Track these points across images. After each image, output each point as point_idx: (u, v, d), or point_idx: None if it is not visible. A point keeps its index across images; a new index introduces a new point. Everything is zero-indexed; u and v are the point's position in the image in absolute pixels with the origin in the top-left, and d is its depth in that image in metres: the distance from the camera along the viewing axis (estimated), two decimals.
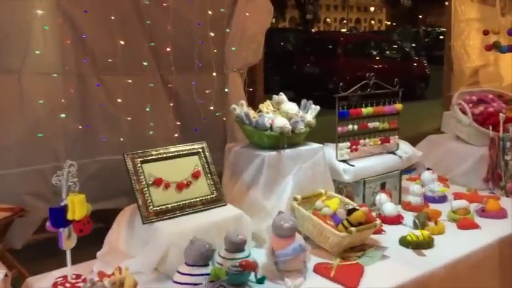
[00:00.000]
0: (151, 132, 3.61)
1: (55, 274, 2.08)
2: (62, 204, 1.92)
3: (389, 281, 2.02)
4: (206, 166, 2.33)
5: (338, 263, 2.12)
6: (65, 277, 2.01)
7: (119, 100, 3.50)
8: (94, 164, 3.69)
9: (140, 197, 2.11)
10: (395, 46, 14.46)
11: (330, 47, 12.62)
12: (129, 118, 3.57)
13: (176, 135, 3.78)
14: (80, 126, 3.56)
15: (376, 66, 11.49)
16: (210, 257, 1.77)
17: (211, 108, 3.79)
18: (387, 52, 13.51)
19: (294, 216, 2.11)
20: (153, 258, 2.04)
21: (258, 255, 2.18)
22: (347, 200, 2.51)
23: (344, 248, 2.26)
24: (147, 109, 3.58)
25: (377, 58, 12.84)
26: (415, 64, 13.20)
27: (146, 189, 2.14)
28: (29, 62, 3.30)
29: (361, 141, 2.85)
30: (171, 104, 3.80)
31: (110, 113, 3.60)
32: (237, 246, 1.96)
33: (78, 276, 2.03)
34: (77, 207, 1.89)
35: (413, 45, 22.19)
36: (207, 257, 1.75)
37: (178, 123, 3.82)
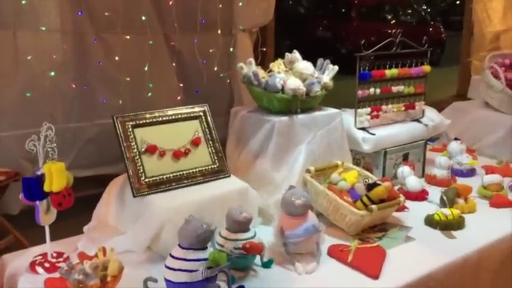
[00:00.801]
0: (150, 94, 3.35)
1: (35, 251, 1.84)
2: (38, 173, 1.65)
3: (416, 268, 1.75)
4: (208, 132, 2.04)
5: (356, 245, 1.85)
6: (44, 255, 1.76)
7: (117, 58, 3.22)
8: (93, 128, 3.53)
9: (131, 166, 1.84)
10: (411, 10, 13.90)
11: (343, 10, 12.09)
12: (128, 79, 3.30)
13: (179, 97, 3.52)
14: (77, 87, 3.32)
15: (390, 31, 10.98)
16: (208, 239, 1.51)
17: (216, 69, 3.50)
18: (402, 16, 13.00)
19: (306, 191, 1.83)
20: (145, 237, 1.78)
21: (265, 233, 1.92)
22: (366, 173, 2.22)
23: (363, 228, 2.00)
24: (147, 69, 3.30)
25: (392, 22, 12.33)
26: (430, 29, 12.68)
27: (138, 157, 1.86)
28: (25, 18, 3.09)
29: (383, 107, 2.54)
30: (174, 64, 3.53)
31: (109, 74, 3.38)
32: (240, 226, 1.70)
33: (59, 255, 1.79)
34: (55, 177, 1.62)
35: (429, 9, 21.47)
36: (205, 240, 1.49)
37: (181, 84, 3.53)
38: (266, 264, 1.74)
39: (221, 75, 3.70)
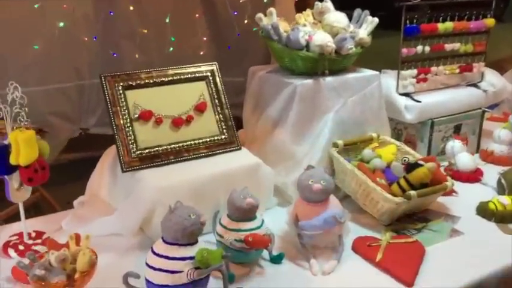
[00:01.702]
0: (171, 49, 3.05)
1: (13, 228, 1.61)
2: (5, 142, 1.39)
3: (463, 273, 1.39)
4: (215, 96, 1.71)
5: (388, 239, 1.51)
6: (20, 235, 1.53)
7: (132, 8, 2.91)
8: None
9: (120, 135, 1.55)
10: None
11: None
12: (145, 31, 2.99)
13: (202, 52, 3.18)
14: (98, 40, 3.06)
15: None
16: (196, 234, 1.21)
17: (246, 21, 3.13)
18: None
19: (331, 170, 1.49)
20: (134, 219, 1.51)
21: (281, 217, 1.61)
22: (407, 149, 1.85)
23: (398, 216, 1.65)
24: (167, 20, 2.98)
25: None
26: None
27: (129, 125, 1.57)
28: None
29: (433, 68, 2.12)
30: (197, 16, 3.18)
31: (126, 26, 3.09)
32: (243, 214, 1.39)
33: (39, 235, 1.55)
34: (23, 148, 1.35)
35: None
36: (192, 234, 1.20)
37: (205, 38, 3.19)
38: (275, 260, 1.44)
39: (254, 29, 3.33)
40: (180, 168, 1.58)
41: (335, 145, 1.76)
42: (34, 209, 2.51)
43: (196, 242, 1.23)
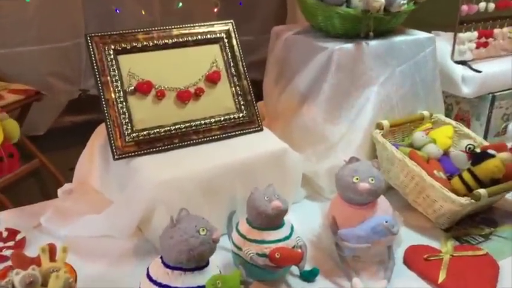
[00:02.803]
0: (180, 5, 2.68)
1: None
2: None
3: None
4: (232, 64, 1.37)
5: (451, 251, 1.19)
6: None
7: None
8: None
9: (111, 113, 1.22)
10: None
11: None
12: None
13: (216, 9, 2.82)
14: None
15: None
16: (207, 255, 0.90)
17: None
18: None
19: (375, 165, 1.15)
20: (128, 220, 1.20)
21: (310, 213, 1.32)
22: (466, 131, 1.50)
23: (459, 218, 1.32)
24: None
25: None
26: None
27: (122, 100, 1.23)
28: None
29: (496, 30, 1.74)
30: None
31: None
32: (268, 221, 1.07)
33: (12, 234, 1.26)
34: None
35: None
36: (202, 256, 0.88)
37: None
38: (307, 276, 1.13)
39: None
40: (187, 156, 1.25)
41: (379, 126, 1.42)
42: (33, 177, 2.29)
43: (206, 264, 0.91)
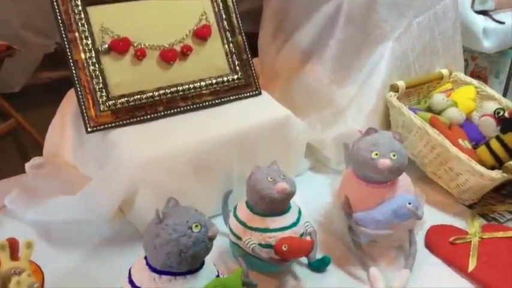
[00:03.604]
0: None
1: None
2: None
3: None
4: (224, 17, 1.16)
5: (479, 232, 1.04)
6: None
7: None
8: None
9: (82, 77, 1.02)
10: None
11: None
12: None
13: None
14: None
15: None
16: (202, 256, 0.73)
17: None
18: None
19: (397, 137, 0.97)
20: (106, 203, 1.02)
21: (314, 186, 1.17)
22: (490, 92, 1.32)
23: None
24: None
25: None
26: None
27: (94, 61, 1.03)
28: None
29: None
30: None
31: None
32: (273, 205, 0.90)
33: None
34: None
35: None
36: (195, 258, 0.71)
37: None
38: (317, 266, 0.97)
39: None
40: (173, 127, 1.06)
41: (394, 88, 1.24)
42: (10, 137, 2.11)
43: (201, 266, 0.75)
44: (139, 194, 1.00)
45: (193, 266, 0.73)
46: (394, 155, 0.93)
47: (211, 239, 0.72)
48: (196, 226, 0.71)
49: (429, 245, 1.03)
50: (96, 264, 0.98)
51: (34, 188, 1.15)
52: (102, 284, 0.92)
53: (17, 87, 2.48)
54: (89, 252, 1.01)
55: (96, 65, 1.03)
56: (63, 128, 1.21)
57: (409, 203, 0.93)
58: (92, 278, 0.94)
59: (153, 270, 0.72)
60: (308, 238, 0.93)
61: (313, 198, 1.16)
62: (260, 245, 0.89)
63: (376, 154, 0.93)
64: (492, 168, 1.09)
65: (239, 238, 0.91)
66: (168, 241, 0.70)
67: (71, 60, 1.01)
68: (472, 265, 0.96)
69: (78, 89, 1.01)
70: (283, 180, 0.89)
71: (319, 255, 0.98)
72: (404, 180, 0.99)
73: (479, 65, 1.60)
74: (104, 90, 1.03)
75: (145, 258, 0.75)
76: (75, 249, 1.01)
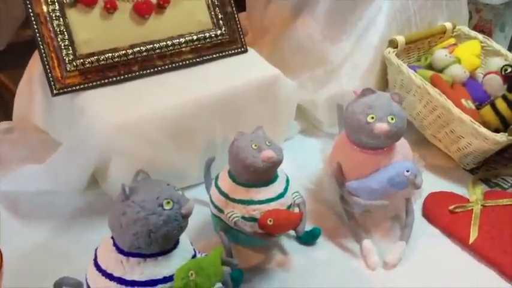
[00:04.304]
0: None
1: None
2: None
3: None
4: None
5: (481, 200, 0.97)
6: None
7: None
8: None
9: (45, 33, 0.91)
10: None
11: None
12: None
13: None
14: None
15: None
16: (175, 236, 0.65)
17: None
18: None
19: (396, 98, 0.88)
20: (78, 172, 0.94)
21: (306, 150, 1.08)
22: (496, 47, 1.22)
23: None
24: None
25: None
26: None
27: (59, 14, 0.92)
28: None
29: None
30: None
31: None
32: (258, 175, 0.81)
33: None
34: None
35: None
36: (167, 238, 0.63)
37: None
38: (306, 238, 0.91)
39: None
40: (149, 88, 0.97)
41: (393, 44, 1.14)
42: None
43: (175, 246, 0.67)
44: (112, 163, 0.91)
45: (165, 247, 0.65)
46: (392, 119, 0.84)
47: (185, 216, 0.64)
48: (168, 203, 0.63)
49: (427, 214, 0.96)
50: (66, 238, 0.91)
51: (1, 155, 1.07)
52: (73, 261, 0.85)
53: (1, 45, 2.36)
54: (59, 226, 0.93)
55: (61, 19, 0.92)
56: (32, 90, 1.11)
57: (407, 171, 0.85)
58: (62, 253, 0.87)
59: (121, 251, 0.65)
60: (296, 210, 0.86)
61: (304, 164, 1.08)
62: (244, 218, 0.81)
63: (372, 117, 0.84)
64: (497, 130, 1.01)
65: (221, 211, 0.83)
66: (135, 220, 0.62)
67: (31, 14, 0.90)
68: (473, 236, 0.89)
69: (41, 46, 0.91)
70: (269, 147, 0.81)
71: (308, 227, 0.91)
72: (403, 145, 0.91)
73: (483, 18, 1.49)
74: (70, 47, 0.92)
75: (113, 238, 0.67)
76: (44, 222, 0.94)
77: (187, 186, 1.02)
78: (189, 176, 1.00)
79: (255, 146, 0.80)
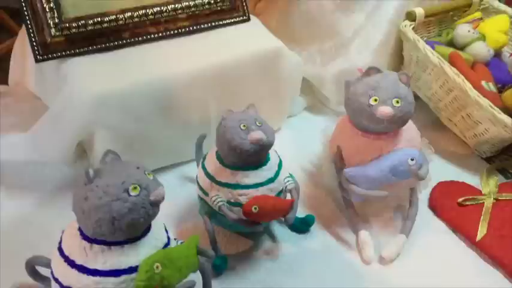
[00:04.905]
0: None
1: None
2: None
3: None
4: None
5: (495, 192, 0.89)
6: None
7: None
8: None
9: None
10: None
11: None
12: None
13: None
14: None
15: None
16: (141, 225, 0.60)
17: None
18: None
19: (404, 79, 0.79)
20: (62, 143, 0.89)
21: (310, 128, 1.02)
22: None
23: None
24: None
25: None
26: None
27: None
28: None
29: None
30: None
31: None
32: (246, 158, 0.75)
33: None
34: None
35: None
36: (132, 226, 0.58)
37: None
38: (299, 226, 0.85)
39: None
40: (141, 57, 0.90)
41: (410, 16, 1.04)
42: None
43: (144, 234, 0.62)
44: (96, 137, 0.86)
45: (132, 235, 0.60)
46: (397, 102, 0.76)
47: (154, 204, 0.59)
48: (135, 188, 0.57)
49: (434, 206, 0.89)
50: (49, 212, 0.86)
51: None
52: (52, 237, 0.79)
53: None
54: (42, 199, 0.89)
55: None
56: (24, 54, 1.07)
57: (412, 160, 0.77)
58: (42, 228, 0.83)
59: (85, 237, 0.60)
60: (288, 197, 0.79)
61: (306, 144, 1.02)
62: (229, 203, 0.75)
63: (375, 100, 0.76)
64: None
65: (206, 193, 0.77)
66: (98, 206, 0.56)
67: None
68: (481, 233, 0.82)
69: (24, 8, 0.85)
70: (259, 128, 0.74)
71: (302, 214, 0.85)
72: (410, 129, 0.83)
73: None
74: (55, 11, 0.86)
75: (78, 226, 0.62)
76: (27, 194, 0.90)
77: (179, 162, 0.97)
78: (181, 152, 0.95)
79: (244, 126, 0.74)
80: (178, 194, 0.90)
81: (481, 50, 1.02)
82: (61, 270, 0.60)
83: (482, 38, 1.04)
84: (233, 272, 0.77)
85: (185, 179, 0.94)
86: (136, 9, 0.91)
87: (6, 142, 0.93)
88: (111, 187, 0.57)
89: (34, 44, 0.86)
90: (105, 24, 0.89)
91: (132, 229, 0.59)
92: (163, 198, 0.60)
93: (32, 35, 0.86)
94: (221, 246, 0.79)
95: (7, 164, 0.92)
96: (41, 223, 0.85)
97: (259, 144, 0.73)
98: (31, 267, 0.69)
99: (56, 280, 0.61)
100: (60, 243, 0.62)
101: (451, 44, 1.05)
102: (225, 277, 0.76)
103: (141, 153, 0.89)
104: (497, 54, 1.06)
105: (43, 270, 0.67)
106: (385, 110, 0.75)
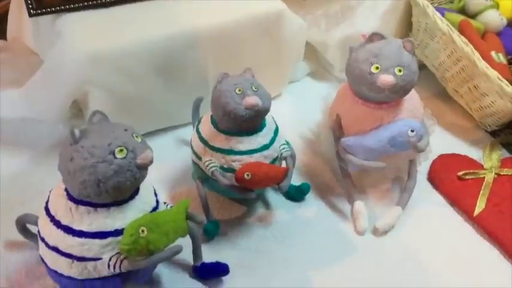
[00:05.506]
0: None
1: None
2: None
3: None
4: None
5: (496, 167, 0.86)
6: None
7: None
8: None
9: None
10: None
11: None
12: None
13: None
14: None
15: None
16: (129, 187, 0.58)
17: None
18: None
19: (408, 46, 0.76)
20: (56, 101, 0.87)
21: (313, 94, 0.99)
22: None
23: None
24: None
25: None
26: None
27: None
28: None
29: None
30: None
31: None
32: (240, 123, 0.73)
33: None
34: None
35: None
36: (118, 189, 0.57)
37: None
38: (294, 194, 0.83)
39: None
40: (137, 15, 0.88)
41: None
42: None
43: (132, 196, 0.61)
44: (90, 97, 0.84)
45: (119, 198, 0.59)
46: (399, 71, 0.73)
47: (141, 167, 0.58)
48: (121, 151, 0.56)
49: (433, 178, 0.87)
50: (43, 169, 0.85)
51: None
52: (46, 194, 0.79)
53: None
54: (38, 156, 0.89)
55: None
56: (21, 9, 1.04)
57: (412, 131, 0.75)
58: (36, 185, 0.82)
59: (71, 198, 0.59)
60: (283, 164, 0.78)
61: (307, 110, 1.00)
62: (222, 168, 0.74)
63: (377, 68, 0.73)
64: None
65: (199, 158, 0.76)
66: (83, 167, 0.55)
67: None
68: (479, 207, 0.80)
69: None
70: (255, 93, 0.72)
71: (297, 182, 0.83)
72: (412, 99, 0.80)
73: None
74: None
75: (65, 188, 0.61)
76: (23, 150, 0.89)
77: (176, 125, 0.95)
78: (178, 115, 0.93)
79: (239, 90, 0.71)
80: (173, 157, 0.89)
81: (494, 18, 0.98)
82: (47, 230, 0.60)
83: (496, 5, 1.00)
84: (224, 238, 0.77)
85: (181, 142, 0.93)
86: None
87: (5, 97, 0.92)
88: (97, 148, 0.55)
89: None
90: None
91: (118, 192, 0.58)
92: (151, 161, 0.58)
93: None
94: (213, 212, 0.78)
95: (4, 120, 0.91)
96: (33, 180, 0.84)
97: (254, 110, 0.71)
98: (21, 225, 0.70)
99: (42, 240, 0.61)
100: (47, 202, 0.62)
101: (462, 11, 1.01)
102: (216, 243, 0.76)
103: (137, 115, 0.88)
104: (510, 23, 1.01)
105: (34, 229, 0.67)
106: (386, 79, 0.72)
